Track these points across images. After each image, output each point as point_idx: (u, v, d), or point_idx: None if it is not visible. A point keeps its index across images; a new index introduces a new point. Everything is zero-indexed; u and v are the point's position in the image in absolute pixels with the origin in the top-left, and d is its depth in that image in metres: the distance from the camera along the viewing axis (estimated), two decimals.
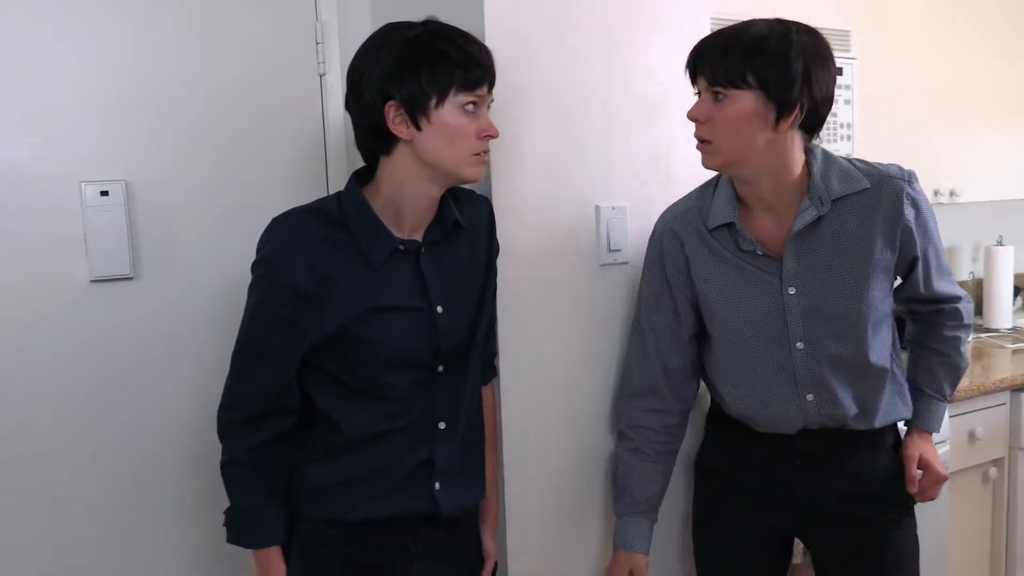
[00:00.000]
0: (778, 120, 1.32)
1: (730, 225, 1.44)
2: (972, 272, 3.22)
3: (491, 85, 1.28)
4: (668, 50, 1.63)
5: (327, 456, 1.34)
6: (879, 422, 1.50)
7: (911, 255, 1.46)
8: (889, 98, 2.46)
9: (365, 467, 1.33)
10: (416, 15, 1.30)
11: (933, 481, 1.56)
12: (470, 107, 1.24)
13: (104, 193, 1.53)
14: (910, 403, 1.56)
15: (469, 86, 1.23)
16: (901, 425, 1.60)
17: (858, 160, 1.46)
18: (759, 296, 1.45)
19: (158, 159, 1.59)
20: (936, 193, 2.64)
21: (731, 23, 1.37)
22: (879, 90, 2.40)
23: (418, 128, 1.24)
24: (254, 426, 1.31)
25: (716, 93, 1.33)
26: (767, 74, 1.30)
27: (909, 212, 1.42)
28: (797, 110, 1.32)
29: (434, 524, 1.38)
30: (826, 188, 1.39)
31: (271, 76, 1.68)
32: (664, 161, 1.65)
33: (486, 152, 1.29)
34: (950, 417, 2.17)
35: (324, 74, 1.72)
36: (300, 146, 1.72)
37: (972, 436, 2.27)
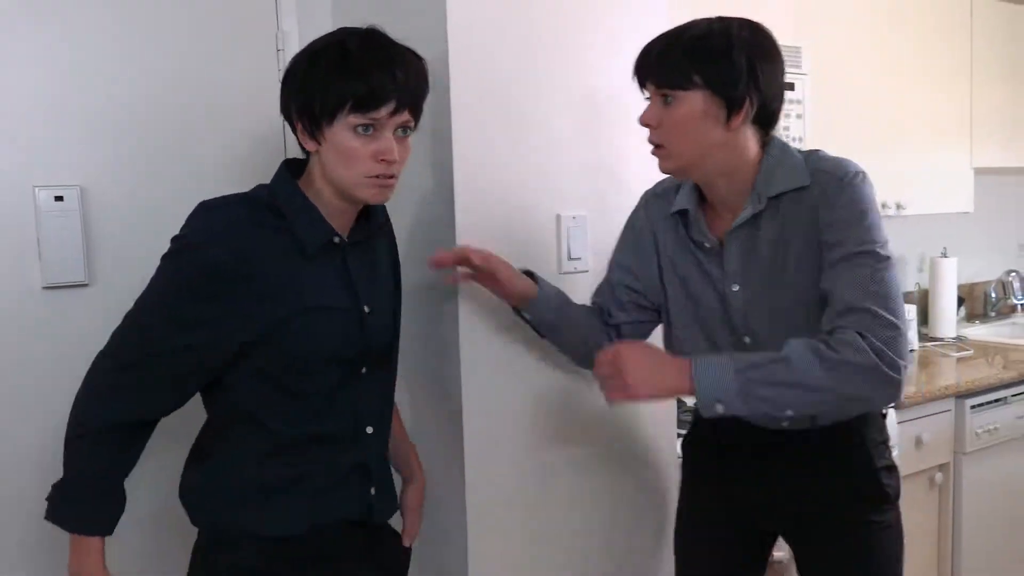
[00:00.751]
0: (729, 117, 1.31)
1: (687, 212, 1.44)
2: (918, 283, 3.32)
3: (402, 107, 1.20)
4: (628, 64, 1.66)
5: (258, 459, 1.27)
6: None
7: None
8: (839, 112, 2.53)
9: (296, 469, 1.28)
10: (376, 24, 1.30)
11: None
12: (363, 129, 1.19)
13: (59, 198, 1.51)
14: None
15: (360, 108, 1.17)
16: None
17: (816, 155, 1.40)
18: (707, 287, 1.45)
19: (114, 165, 1.57)
20: (884, 205, 2.72)
21: None
22: (830, 105, 2.48)
23: (317, 143, 1.23)
24: (133, 396, 1.21)
25: (664, 96, 1.33)
26: (711, 72, 1.29)
27: (825, 207, 1.33)
28: (747, 105, 1.31)
29: (363, 530, 1.36)
30: (767, 185, 1.36)
31: (232, 83, 1.68)
32: (623, 171, 1.68)
33: (388, 176, 1.23)
34: (898, 423, 2.23)
35: None
36: (259, 154, 1.71)
37: (918, 442, 2.34)
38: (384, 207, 1.39)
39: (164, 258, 1.24)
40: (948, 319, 3.15)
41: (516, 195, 1.57)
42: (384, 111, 1.19)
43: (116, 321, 1.56)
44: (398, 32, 1.29)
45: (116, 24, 1.56)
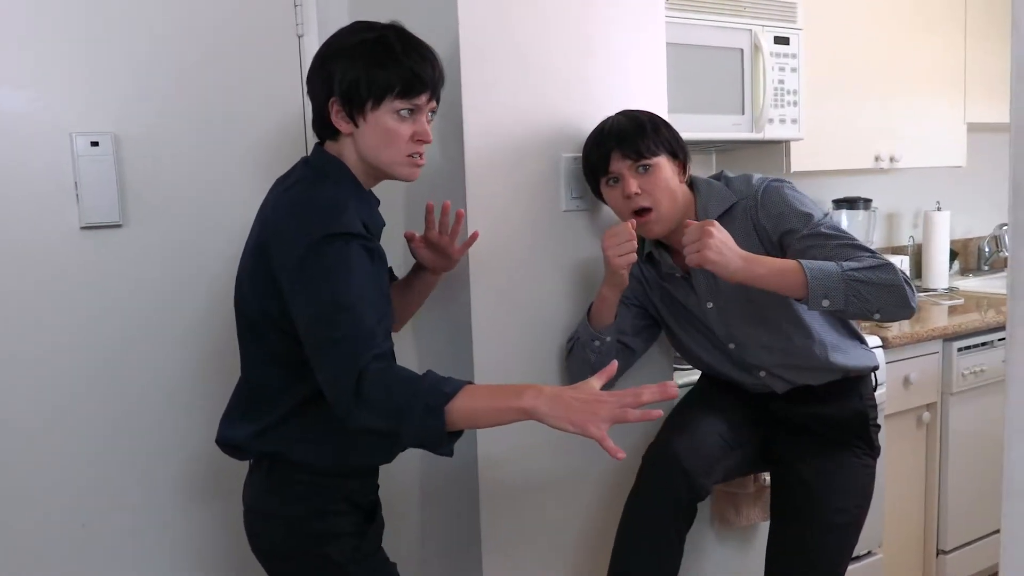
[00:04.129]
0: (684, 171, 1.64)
1: (652, 254, 1.72)
2: (912, 236, 3.40)
3: (433, 94, 1.34)
4: (624, 14, 1.76)
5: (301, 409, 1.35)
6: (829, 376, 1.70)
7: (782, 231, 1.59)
8: (832, 67, 2.61)
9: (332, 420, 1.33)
10: None
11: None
12: (405, 113, 1.32)
13: (94, 144, 1.62)
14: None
15: (404, 95, 1.30)
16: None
17: (726, 178, 1.68)
18: (687, 309, 1.72)
19: (144, 112, 1.68)
20: (876, 159, 2.81)
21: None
22: (824, 59, 2.56)
23: (356, 125, 1.33)
24: (384, 360, 1.24)
25: (643, 166, 1.58)
26: (664, 141, 1.60)
27: (762, 213, 1.60)
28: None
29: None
30: (707, 214, 1.63)
31: (251, 35, 1.77)
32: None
33: (420, 155, 1.35)
34: (886, 363, 2.34)
35: (302, 35, 1.81)
36: (279, 103, 1.81)
37: (907, 381, 2.44)
38: None
39: (326, 254, 1.26)
40: (941, 272, 3.23)
41: (522, 137, 1.67)
42: (423, 97, 1.32)
43: (147, 258, 1.69)
44: None
45: None
